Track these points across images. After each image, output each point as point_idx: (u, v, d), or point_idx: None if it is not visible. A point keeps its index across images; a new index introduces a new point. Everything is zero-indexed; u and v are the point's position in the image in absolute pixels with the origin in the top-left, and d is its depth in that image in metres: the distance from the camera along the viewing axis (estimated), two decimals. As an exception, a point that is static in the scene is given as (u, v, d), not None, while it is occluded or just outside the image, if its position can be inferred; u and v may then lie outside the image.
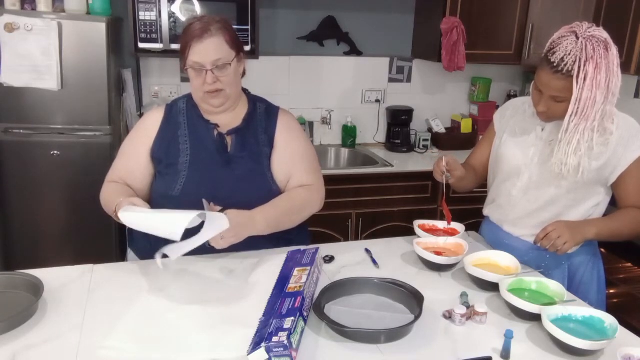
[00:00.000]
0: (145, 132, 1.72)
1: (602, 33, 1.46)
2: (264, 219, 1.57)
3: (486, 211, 1.88)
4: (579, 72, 1.43)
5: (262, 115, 1.75)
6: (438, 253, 1.61)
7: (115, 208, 1.54)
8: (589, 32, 1.45)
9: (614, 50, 1.46)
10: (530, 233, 1.69)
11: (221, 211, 1.50)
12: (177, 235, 1.36)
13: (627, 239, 1.65)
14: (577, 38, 1.45)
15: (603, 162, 1.57)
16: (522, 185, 1.70)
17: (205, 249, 1.47)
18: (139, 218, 1.46)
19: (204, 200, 1.49)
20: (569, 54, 1.44)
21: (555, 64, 1.47)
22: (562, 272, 1.71)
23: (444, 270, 1.60)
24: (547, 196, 1.66)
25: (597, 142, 1.53)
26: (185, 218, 1.37)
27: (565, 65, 1.45)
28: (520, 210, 1.72)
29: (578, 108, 1.47)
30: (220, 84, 1.60)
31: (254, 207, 1.58)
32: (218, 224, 1.43)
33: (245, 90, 1.79)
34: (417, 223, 1.82)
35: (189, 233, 1.42)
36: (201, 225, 1.44)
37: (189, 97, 1.74)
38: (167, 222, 1.41)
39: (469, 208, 2.48)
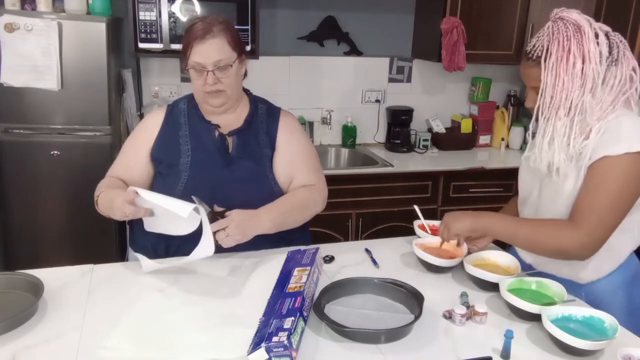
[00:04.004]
0: (145, 132, 1.72)
1: (571, 14, 1.36)
2: (269, 217, 1.58)
3: None
4: (546, 56, 1.36)
5: (263, 116, 1.75)
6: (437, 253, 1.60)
7: (98, 194, 1.60)
8: (558, 14, 1.37)
9: (589, 34, 1.33)
10: (539, 261, 1.57)
11: (224, 211, 1.50)
12: (186, 212, 1.39)
13: (524, 246, 1.50)
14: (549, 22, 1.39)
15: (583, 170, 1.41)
16: (531, 208, 1.58)
17: None
18: (150, 195, 1.49)
19: (195, 198, 1.50)
20: (540, 39, 1.39)
21: (527, 51, 1.42)
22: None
23: (442, 272, 1.60)
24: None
25: (576, 138, 1.39)
26: (188, 207, 1.41)
27: (535, 50, 1.39)
28: None
29: (545, 94, 1.38)
30: (221, 85, 1.60)
31: (256, 208, 1.58)
32: (202, 247, 1.44)
33: (246, 91, 1.79)
34: (417, 223, 1.82)
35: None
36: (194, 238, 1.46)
37: (189, 98, 1.74)
38: (175, 204, 1.44)
39: (469, 208, 2.48)
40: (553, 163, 1.44)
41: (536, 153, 1.48)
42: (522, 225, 1.47)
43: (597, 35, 1.36)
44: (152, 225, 1.60)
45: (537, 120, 1.43)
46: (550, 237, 1.41)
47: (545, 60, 1.36)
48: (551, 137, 1.42)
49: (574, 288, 1.49)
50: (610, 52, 1.37)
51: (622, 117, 1.39)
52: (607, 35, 1.38)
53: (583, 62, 1.34)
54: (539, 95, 1.40)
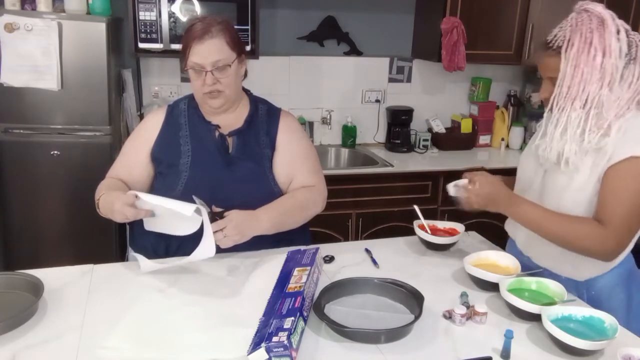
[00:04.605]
0: (146, 133, 1.72)
1: (596, 7, 1.37)
2: (268, 218, 1.58)
3: (507, 225, 1.73)
4: (567, 46, 1.37)
5: (263, 117, 1.75)
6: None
7: (99, 196, 1.59)
8: (583, 6, 1.39)
9: (611, 27, 1.35)
10: (541, 255, 1.59)
11: (223, 212, 1.50)
12: (189, 211, 1.40)
13: (550, 240, 1.47)
14: (572, 13, 1.41)
15: (601, 168, 1.40)
16: (532, 197, 1.55)
17: None
18: (151, 197, 1.49)
19: (196, 198, 1.50)
20: (562, 29, 1.40)
21: (548, 41, 1.43)
22: (580, 298, 1.50)
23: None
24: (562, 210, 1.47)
25: (591, 131, 1.39)
26: (190, 206, 1.41)
27: (556, 40, 1.40)
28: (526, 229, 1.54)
29: (563, 84, 1.38)
30: (220, 85, 1.60)
31: (256, 209, 1.58)
32: (203, 248, 1.44)
33: (246, 91, 1.79)
34: (417, 223, 1.82)
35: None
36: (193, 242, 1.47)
37: (190, 98, 1.74)
38: (177, 205, 1.44)
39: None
40: (563, 154, 1.43)
41: (547, 142, 1.47)
42: (551, 222, 1.44)
43: (618, 31, 1.37)
44: (152, 225, 1.60)
45: (551, 110, 1.43)
46: (578, 238, 1.41)
47: (566, 51, 1.37)
48: (564, 128, 1.42)
49: (574, 285, 1.52)
50: (629, 50, 1.38)
51: None
52: (626, 32, 1.39)
53: (603, 56, 1.35)
54: (557, 85, 1.40)
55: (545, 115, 1.49)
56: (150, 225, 1.60)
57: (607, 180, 1.39)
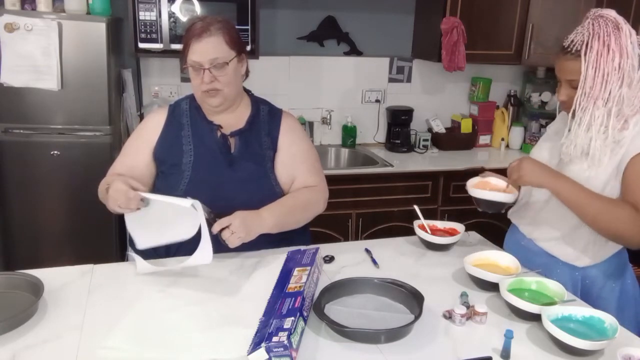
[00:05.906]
0: (147, 132, 1.72)
1: (610, 12, 1.47)
2: (271, 216, 1.58)
3: (511, 214, 1.81)
4: (586, 50, 1.44)
5: (265, 118, 1.75)
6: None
7: (108, 185, 1.57)
8: (598, 12, 1.47)
9: (626, 30, 1.44)
10: (544, 237, 1.65)
11: (222, 215, 1.50)
12: (187, 202, 1.41)
13: (585, 219, 1.49)
14: (587, 19, 1.48)
15: (620, 157, 1.49)
16: (540, 197, 1.64)
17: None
18: (153, 195, 1.50)
19: (198, 203, 1.49)
20: (578, 34, 1.47)
21: (566, 46, 1.50)
22: (574, 285, 1.61)
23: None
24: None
25: (613, 127, 1.47)
26: (187, 201, 1.42)
27: (574, 45, 1.47)
28: (534, 212, 1.68)
29: (585, 86, 1.46)
30: (218, 84, 1.61)
31: (258, 209, 1.58)
32: (200, 255, 1.44)
33: (247, 92, 1.79)
34: (417, 223, 1.82)
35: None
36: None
37: (191, 98, 1.74)
38: (175, 199, 1.45)
39: (469, 208, 2.48)
40: (588, 149, 1.50)
41: (571, 139, 1.53)
42: (592, 203, 1.47)
43: (630, 34, 1.45)
44: (150, 238, 1.58)
45: (571, 111, 1.51)
46: (613, 220, 1.44)
47: (585, 54, 1.45)
48: (587, 125, 1.49)
49: (570, 272, 1.61)
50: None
51: None
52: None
53: (621, 57, 1.44)
54: (579, 86, 1.47)
55: (570, 115, 1.53)
56: (151, 239, 1.58)
57: (633, 168, 1.45)
